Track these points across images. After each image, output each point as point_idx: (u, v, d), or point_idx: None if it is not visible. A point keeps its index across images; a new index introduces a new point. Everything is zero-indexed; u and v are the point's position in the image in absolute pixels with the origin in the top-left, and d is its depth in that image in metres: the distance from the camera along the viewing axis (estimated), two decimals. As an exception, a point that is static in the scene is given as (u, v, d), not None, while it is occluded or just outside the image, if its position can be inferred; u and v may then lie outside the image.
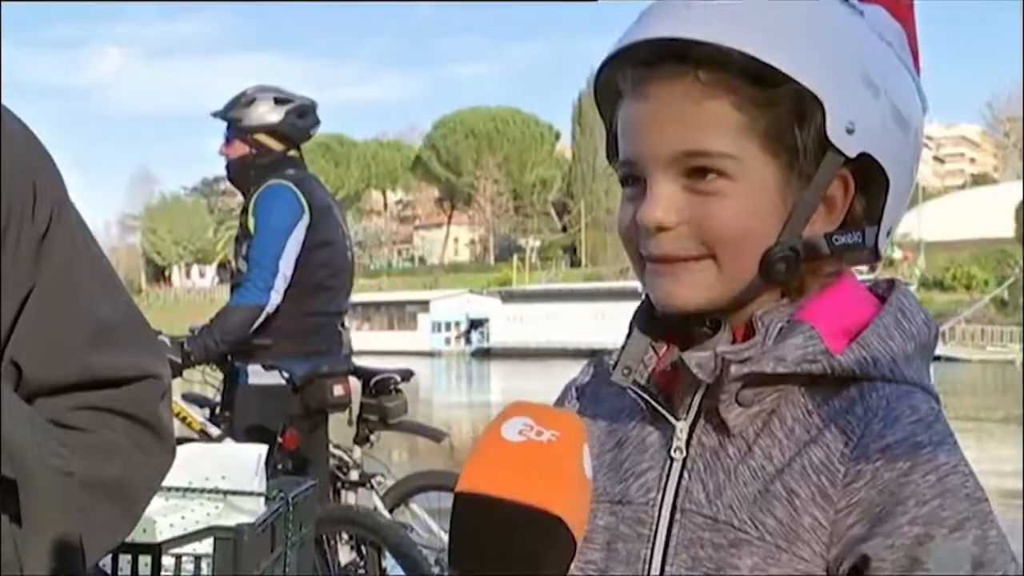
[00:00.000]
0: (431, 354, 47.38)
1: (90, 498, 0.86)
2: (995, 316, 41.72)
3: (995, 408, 19.31)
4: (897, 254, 45.39)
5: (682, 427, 0.79)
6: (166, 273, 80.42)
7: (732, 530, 0.74)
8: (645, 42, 0.75)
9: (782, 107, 0.74)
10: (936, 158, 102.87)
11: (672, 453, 0.79)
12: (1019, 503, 7.88)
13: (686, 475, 0.77)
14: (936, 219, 51.68)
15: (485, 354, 46.25)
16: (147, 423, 0.93)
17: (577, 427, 0.70)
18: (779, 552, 0.72)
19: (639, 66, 0.76)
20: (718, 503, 0.75)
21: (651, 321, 0.81)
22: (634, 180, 0.78)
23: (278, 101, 3.44)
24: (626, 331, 0.82)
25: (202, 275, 76.60)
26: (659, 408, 0.79)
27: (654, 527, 0.78)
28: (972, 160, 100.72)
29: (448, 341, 51.29)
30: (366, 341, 43.27)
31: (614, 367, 0.80)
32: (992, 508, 0.71)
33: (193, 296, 66.52)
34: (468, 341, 50.49)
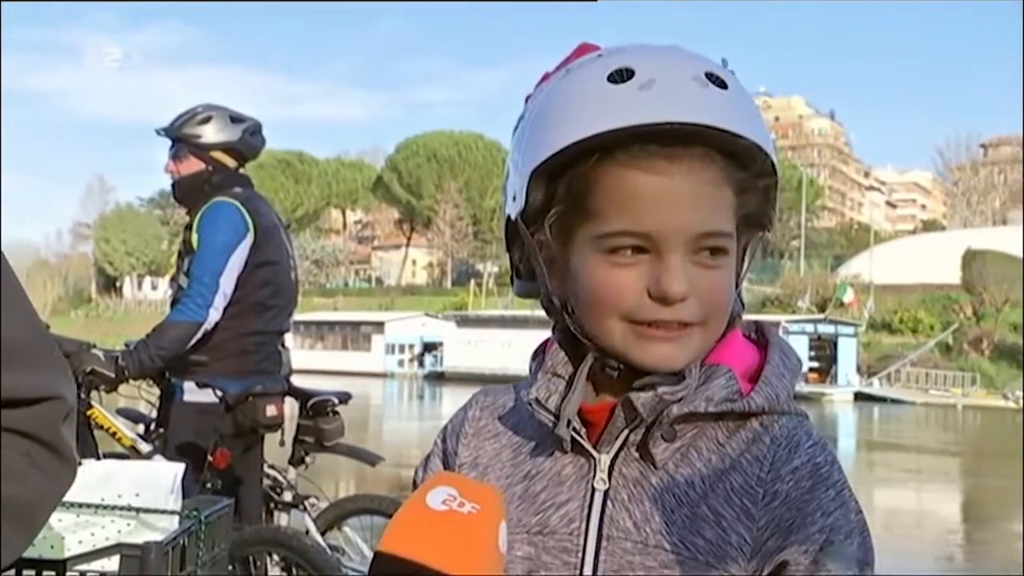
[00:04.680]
0: (384, 376, 47.06)
1: (-17, 515, 0.87)
2: (939, 360, 42.49)
3: (936, 450, 19.65)
4: (848, 297, 46.12)
5: (605, 460, 0.83)
6: (117, 284, 79.01)
7: (664, 552, 0.80)
8: (666, 124, 0.77)
9: (764, 192, 0.84)
10: (889, 203, 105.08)
11: (595, 484, 0.83)
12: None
13: (610, 504, 0.82)
14: (886, 263, 52.70)
15: (438, 378, 46.02)
16: (48, 443, 0.95)
17: (498, 503, 0.75)
18: (710, 569, 0.79)
19: (649, 142, 0.78)
20: (647, 529, 0.81)
21: (599, 374, 0.85)
22: (636, 250, 0.80)
23: (233, 119, 3.47)
24: (559, 382, 0.86)
25: (154, 287, 75.33)
26: (584, 443, 0.83)
27: (581, 555, 0.82)
28: (923, 206, 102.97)
29: (402, 363, 50.97)
30: (319, 360, 42.85)
31: (555, 422, 0.83)
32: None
33: (144, 308, 65.39)
34: (421, 364, 50.22)
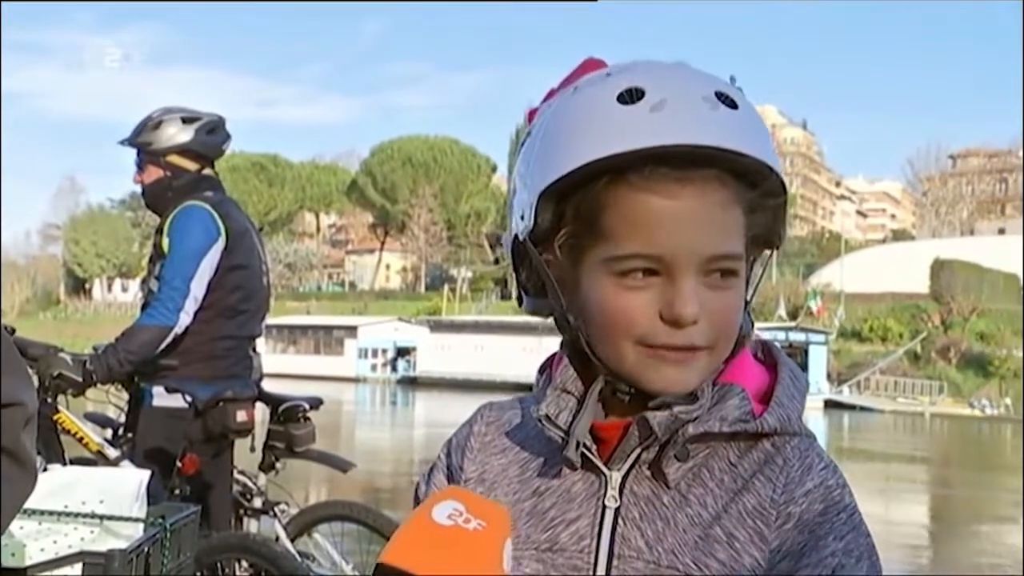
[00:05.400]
0: (356, 380, 46.84)
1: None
2: (908, 369, 43.04)
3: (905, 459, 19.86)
4: (815, 305, 46.56)
5: (616, 478, 0.83)
6: (87, 286, 78.13)
7: (676, 573, 0.79)
8: (678, 146, 0.77)
9: (774, 212, 0.83)
10: (859, 212, 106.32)
11: (606, 501, 0.83)
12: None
13: (621, 523, 0.82)
14: (857, 271, 53.27)
15: (411, 382, 45.92)
16: (8, 450, 0.93)
17: (504, 520, 0.75)
18: None
19: (660, 164, 0.77)
20: (659, 549, 0.80)
21: (609, 395, 0.84)
22: (648, 272, 0.80)
23: (186, 120, 3.40)
24: (569, 399, 0.84)
25: (124, 289, 74.59)
26: (595, 460, 0.83)
27: (591, 572, 0.81)
28: (893, 216, 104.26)
29: (374, 368, 50.81)
30: (291, 364, 42.65)
31: (564, 442, 0.82)
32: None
33: (114, 311, 64.72)
34: (394, 369, 50.08)
